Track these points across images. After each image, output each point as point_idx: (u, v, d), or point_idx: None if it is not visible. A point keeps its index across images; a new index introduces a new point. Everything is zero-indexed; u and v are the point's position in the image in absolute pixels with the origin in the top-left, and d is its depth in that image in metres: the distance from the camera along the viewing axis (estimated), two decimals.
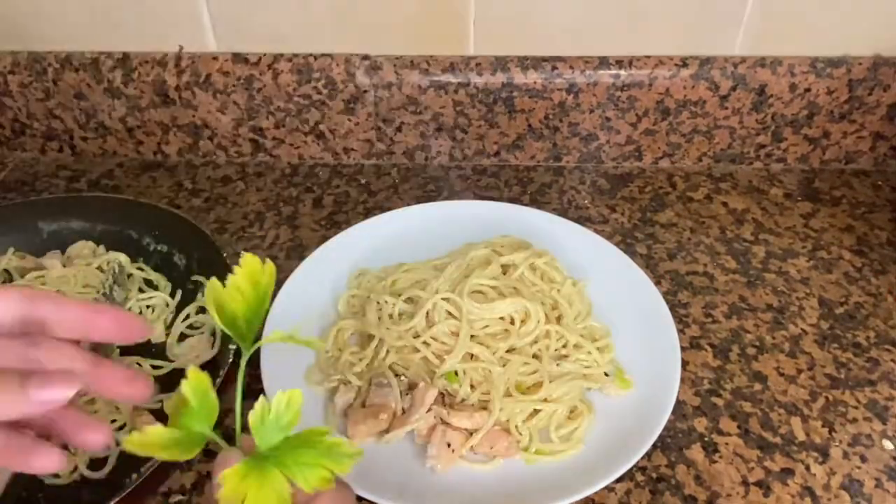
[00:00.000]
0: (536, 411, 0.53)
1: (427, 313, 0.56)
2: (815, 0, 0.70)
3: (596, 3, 0.71)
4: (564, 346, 0.57)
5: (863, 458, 0.52)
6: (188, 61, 0.76)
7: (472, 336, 0.55)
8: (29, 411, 0.30)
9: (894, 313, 0.63)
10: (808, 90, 0.74)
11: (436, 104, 0.77)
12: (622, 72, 0.74)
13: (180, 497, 0.50)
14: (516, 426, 0.52)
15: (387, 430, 0.52)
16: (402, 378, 0.55)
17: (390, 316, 0.58)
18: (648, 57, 0.74)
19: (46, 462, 0.31)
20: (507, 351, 0.55)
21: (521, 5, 0.71)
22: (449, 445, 0.50)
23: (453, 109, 0.77)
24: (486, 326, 0.56)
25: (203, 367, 0.57)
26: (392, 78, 0.75)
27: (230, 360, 0.53)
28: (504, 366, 0.54)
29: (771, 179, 0.79)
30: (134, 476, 0.47)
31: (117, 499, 0.45)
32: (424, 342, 0.55)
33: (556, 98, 0.75)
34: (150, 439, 0.30)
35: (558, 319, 0.58)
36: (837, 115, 0.76)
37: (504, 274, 0.60)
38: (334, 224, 0.73)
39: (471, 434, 0.51)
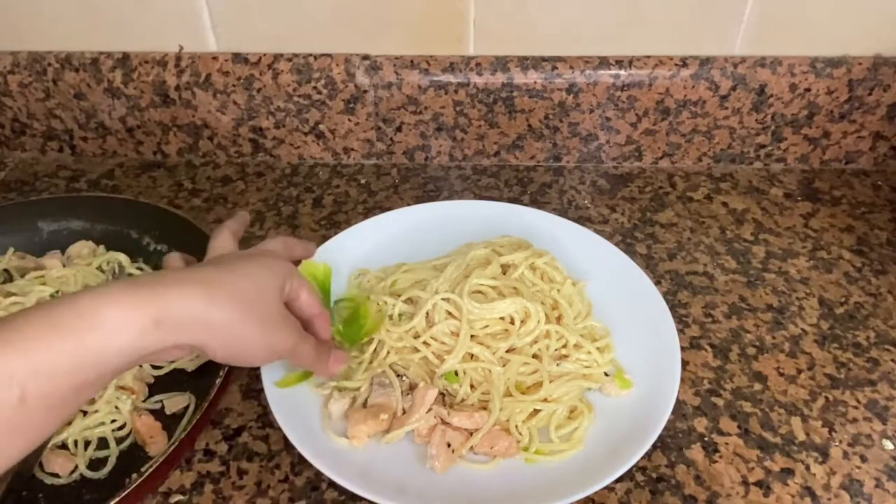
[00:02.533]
0: (536, 411, 0.53)
1: (427, 314, 0.56)
2: (815, 0, 0.70)
3: (596, 3, 0.71)
4: (564, 347, 0.57)
5: (863, 458, 0.52)
6: (188, 61, 0.76)
7: (472, 336, 0.55)
8: (323, 374, 0.53)
9: (894, 313, 0.63)
10: (808, 90, 0.74)
11: (436, 104, 0.77)
12: (622, 72, 0.74)
13: (180, 497, 0.50)
14: (516, 426, 0.52)
15: (387, 430, 0.52)
16: (404, 378, 0.55)
17: (390, 317, 0.57)
18: (648, 57, 0.74)
19: (342, 365, 0.53)
20: (507, 351, 0.55)
21: (521, 5, 0.71)
22: (449, 445, 0.50)
23: (453, 109, 0.77)
24: (486, 326, 0.56)
25: (203, 367, 0.58)
26: (392, 78, 0.75)
27: None
28: (504, 366, 0.54)
29: (771, 179, 0.79)
30: (134, 476, 0.47)
31: (117, 499, 0.45)
32: (424, 342, 0.55)
33: (556, 98, 0.76)
34: None
35: (558, 319, 0.58)
36: (837, 115, 0.76)
37: (504, 274, 0.60)
38: (334, 224, 0.73)
39: (471, 434, 0.51)
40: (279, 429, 0.50)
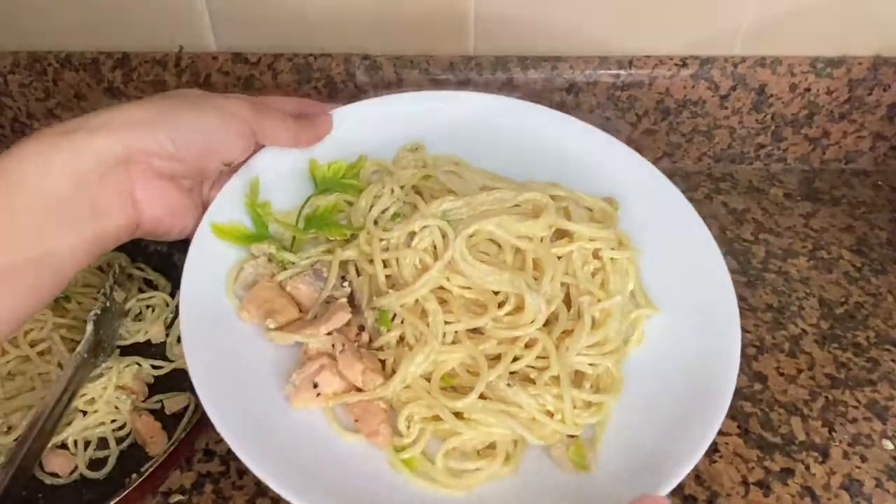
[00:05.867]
0: (440, 419, 0.42)
1: (412, 232, 0.45)
2: (815, 0, 0.70)
3: (596, 3, 0.71)
4: (540, 371, 0.43)
5: (863, 458, 0.52)
6: (188, 61, 0.76)
7: (440, 287, 0.44)
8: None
9: (894, 313, 0.63)
10: (808, 90, 0.74)
11: None
12: (622, 72, 0.74)
13: (180, 497, 0.50)
14: (408, 418, 0.42)
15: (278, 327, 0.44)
16: (345, 284, 0.46)
17: (383, 211, 0.48)
18: (648, 57, 0.74)
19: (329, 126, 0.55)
20: (469, 331, 0.44)
21: (521, 5, 0.71)
22: (316, 386, 0.42)
23: None
24: (467, 289, 0.44)
25: None
26: (392, 78, 0.75)
27: None
28: (449, 343, 0.43)
29: (771, 179, 0.79)
30: (134, 476, 0.47)
31: (117, 499, 0.45)
32: (385, 261, 0.45)
33: (556, 98, 0.75)
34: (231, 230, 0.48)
35: (563, 335, 0.44)
36: (837, 115, 0.76)
37: (553, 240, 0.47)
38: None
39: (350, 391, 0.42)
40: None
